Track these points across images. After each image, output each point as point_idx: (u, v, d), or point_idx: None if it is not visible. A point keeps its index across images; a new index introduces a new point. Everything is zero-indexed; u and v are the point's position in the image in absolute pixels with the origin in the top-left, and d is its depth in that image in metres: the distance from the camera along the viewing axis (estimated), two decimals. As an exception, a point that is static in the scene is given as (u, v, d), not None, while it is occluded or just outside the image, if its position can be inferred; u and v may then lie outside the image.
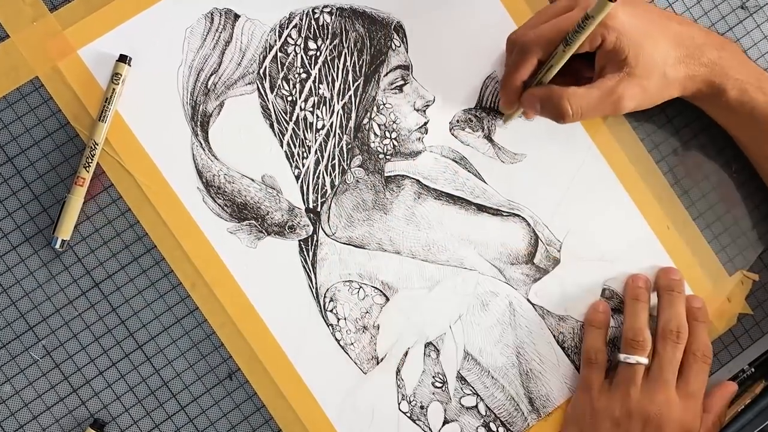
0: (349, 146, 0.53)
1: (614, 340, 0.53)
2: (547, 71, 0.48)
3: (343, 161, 0.53)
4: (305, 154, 0.52)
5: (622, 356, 0.50)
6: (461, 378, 0.53)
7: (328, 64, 0.52)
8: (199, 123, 0.52)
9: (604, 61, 0.48)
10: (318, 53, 0.52)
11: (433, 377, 0.53)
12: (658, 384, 0.49)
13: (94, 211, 0.51)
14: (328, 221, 0.52)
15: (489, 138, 0.54)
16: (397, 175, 0.53)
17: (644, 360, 0.50)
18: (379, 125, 0.53)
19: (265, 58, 0.52)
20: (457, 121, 0.53)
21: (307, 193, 0.52)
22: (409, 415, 0.52)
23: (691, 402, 0.50)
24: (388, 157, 0.53)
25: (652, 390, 0.49)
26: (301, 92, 0.52)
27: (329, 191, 0.52)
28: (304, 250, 0.52)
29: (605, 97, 0.48)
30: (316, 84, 0.52)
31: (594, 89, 0.48)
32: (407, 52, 0.53)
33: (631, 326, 0.51)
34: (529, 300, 0.54)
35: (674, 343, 0.50)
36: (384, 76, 0.53)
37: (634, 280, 0.53)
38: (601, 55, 0.48)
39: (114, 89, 0.50)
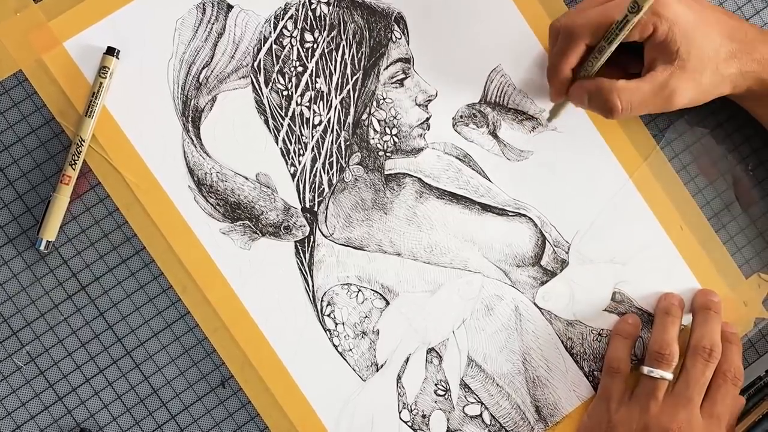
0: (348, 143, 0.52)
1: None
2: (594, 61, 0.47)
3: (342, 159, 0.52)
4: (301, 151, 0.52)
5: (645, 369, 0.50)
6: (465, 385, 0.52)
7: (325, 57, 0.52)
8: (190, 118, 0.51)
9: (655, 53, 0.47)
10: (315, 45, 0.52)
11: (436, 385, 0.52)
12: (682, 401, 0.49)
13: (81, 210, 0.51)
14: (326, 221, 0.52)
15: (494, 134, 0.53)
16: (398, 173, 0.53)
17: (668, 375, 0.49)
18: (378, 121, 0.53)
19: (259, 50, 0.52)
20: (461, 116, 0.53)
21: (304, 192, 0.52)
22: (410, 424, 0.52)
23: (715, 425, 0.49)
24: (388, 154, 0.53)
25: (674, 406, 0.49)
26: (297, 86, 0.52)
27: (327, 190, 0.52)
28: (300, 251, 0.52)
29: (657, 92, 0.47)
30: (313, 78, 0.52)
31: (645, 83, 0.47)
32: (408, 44, 0.53)
33: (658, 339, 0.51)
34: (535, 304, 0.53)
35: (705, 361, 0.49)
36: (384, 69, 0.53)
37: (668, 297, 0.53)
38: (651, 47, 0.47)
39: (101, 83, 0.50)
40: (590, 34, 0.47)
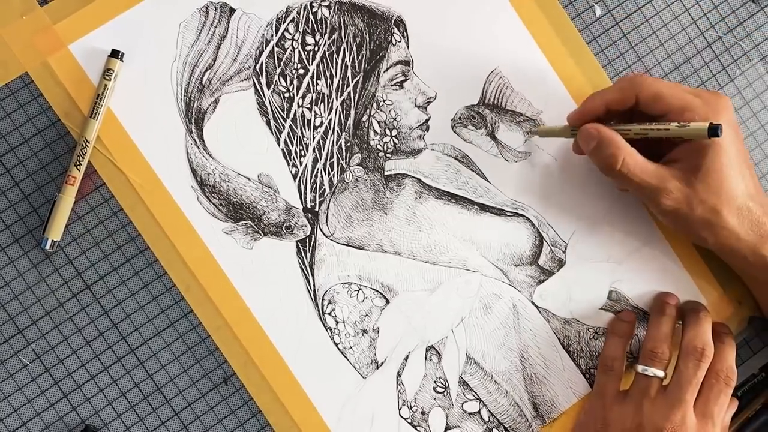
0: (348, 144, 0.52)
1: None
2: (627, 129, 0.47)
3: (342, 160, 0.52)
4: (303, 152, 0.52)
5: (639, 367, 0.50)
6: (463, 383, 0.53)
7: (326, 60, 0.52)
8: (193, 120, 0.52)
9: (681, 155, 0.47)
10: (316, 48, 0.52)
11: (435, 382, 0.52)
12: (675, 401, 0.48)
13: (86, 210, 0.51)
14: (327, 221, 0.52)
15: (492, 135, 0.53)
16: (398, 174, 0.53)
17: (660, 373, 0.49)
18: (379, 122, 0.53)
19: (261, 53, 0.52)
20: (460, 118, 0.53)
21: (305, 193, 0.52)
22: (409, 421, 0.52)
23: (708, 424, 0.48)
24: (388, 155, 0.53)
25: (668, 406, 0.48)
26: (298, 88, 0.52)
27: (327, 190, 0.52)
28: (301, 251, 0.52)
29: (654, 180, 0.47)
30: (314, 80, 0.52)
31: (650, 165, 0.47)
32: (408, 47, 0.53)
33: (653, 337, 0.51)
34: (533, 302, 0.53)
35: (697, 361, 0.49)
36: (384, 71, 0.53)
37: (664, 296, 0.53)
38: (682, 149, 0.47)
39: (106, 85, 0.50)
40: (648, 98, 0.47)
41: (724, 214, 0.47)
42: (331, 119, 0.52)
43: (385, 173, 0.53)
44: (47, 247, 0.50)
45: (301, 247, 0.52)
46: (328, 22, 0.52)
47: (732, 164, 0.47)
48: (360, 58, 0.52)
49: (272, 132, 0.52)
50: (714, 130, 0.44)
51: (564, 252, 0.53)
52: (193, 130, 0.51)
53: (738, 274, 0.52)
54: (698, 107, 0.46)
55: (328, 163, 0.52)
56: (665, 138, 0.47)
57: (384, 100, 0.53)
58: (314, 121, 0.52)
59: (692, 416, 0.48)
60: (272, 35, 0.52)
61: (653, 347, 0.50)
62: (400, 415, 0.52)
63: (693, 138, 0.46)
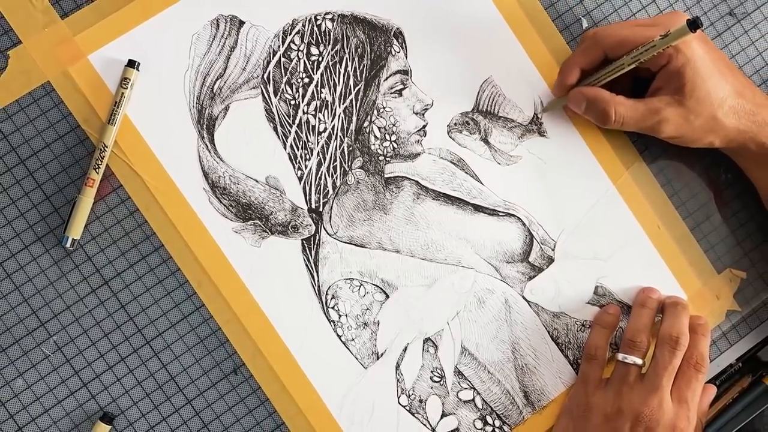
0: (351, 148, 0.53)
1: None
2: (605, 76, 0.49)
3: (345, 163, 0.53)
4: (308, 156, 0.53)
5: (620, 355, 0.51)
6: (459, 372, 0.54)
7: (329, 69, 0.53)
8: (205, 126, 0.52)
9: (662, 82, 0.49)
10: (320, 58, 0.53)
11: (432, 372, 0.53)
12: (652, 387, 0.50)
13: (104, 211, 0.52)
14: (330, 221, 0.53)
15: (485, 140, 0.54)
16: (397, 177, 0.54)
17: (639, 361, 0.51)
18: (379, 128, 0.54)
19: (269, 63, 0.53)
20: (455, 124, 0.54)
21: (310, 194, 0.53)
22: (408, 408, 0.53)
23: (684, 408, 0.50)
24: (388, 158, 0.54)
25: (646, 391, 0.50)
26: (303, 96, 0.53)
27: (331, 192, 0.53)
28: (306, 249, 0.53)
29: (648, 115, 0.49)
30: (319, 88, 0.53)
31: (641, 104, 0.49)
32: (406, 57, 0.54)
33: (632, 328, 0.52)
34: (524, 297, 0.54)
35: (672, 349, 0.50)
36: (384, 80, 0.54)
37: (646, 291, 0.54)
38: (661, 76, 0.49)
39: (123, 93, 0.51)
40: (613, 47, 0.49)
41: (720, 117, 0.49)
42: (334, 125, 0.53)
43: (385, 176, 0.53)
44: (68, 245, 0.50)
45: (306, 245, 0.53)
46: (332, 33, 0.53)
47: (711, 71, 0.48)
48: (361, 67, 0.53)
49: (279, 137, 0.53)
50: (694, 24, 0.44)
51: (553, 250, 0.54)
52: (205, 135, 0.52)
53: (744, 169, 0.53)
54: (660, 23, 0.48)
55: (331, 166, 0.53)
56: (647, 71, 0.48)
57: (384, 107, 0.54)
58: (318, 127, 0.53)
59: (669, 401, 0.49)
60: (279, 46, 0.53)
61: (633, 336, 0.51)
62: (399, 402, 0.53)
63: (678, 39, 0.45)
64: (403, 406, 0.53)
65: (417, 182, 0.54)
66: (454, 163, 0.54)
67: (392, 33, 0.54)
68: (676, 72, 0.48)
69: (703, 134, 0.49)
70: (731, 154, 0.53)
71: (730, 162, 0.55)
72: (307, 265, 0.53)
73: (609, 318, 0.54)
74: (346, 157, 0.53)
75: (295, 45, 0.53)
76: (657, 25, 0.48)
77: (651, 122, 0.49)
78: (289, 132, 0.53)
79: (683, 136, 0.50)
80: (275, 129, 0.53)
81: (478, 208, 0.54)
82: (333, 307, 0.53)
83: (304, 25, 0.53)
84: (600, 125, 0.51)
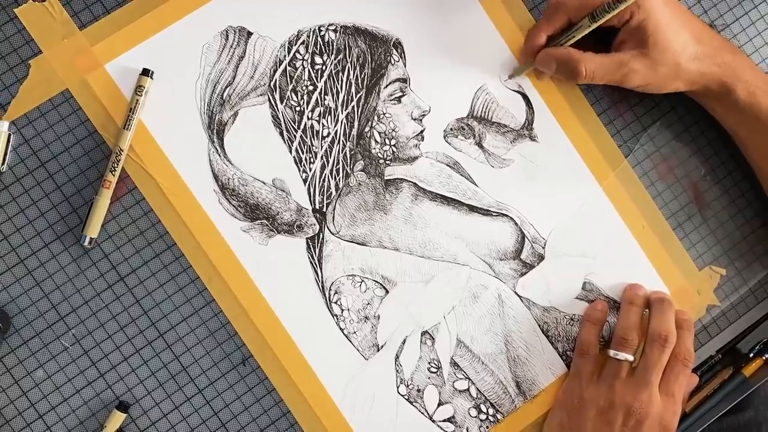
0: (352, 152, 0.54)
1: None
2: (570, 37, 0.50)
3: (347, 166, 0.54)
4: (312, 160, 0.54)
5: (611, 352, 0.52)
6: (454, 364, 0.54)
7: (333, 77, 0.54)
8: (215, 131, 0.53)
9: (625, 36, 0.50)
10: (324, 67, 0.54)
11: (429, 363, 0.54)
12: (642, 382, 0.51)
13: (120, 211, 0.53)
14: (333, 221, 0.54)
15: (480, 144, 0.55)
16: (396, 179, 0.55)
17: (630, 357, 0.52)
18: (379, 133, 0.55)
19: (275, 71, 0.54)
20: (451, 129, 0.55)
21: (314, 195, 0.54)
22: (406, 397, 0.54)
23: (671, 401, 0.51)
24: (387, 162, 0.55)
25: (636, 386, 0.51)
26: (308, 103, 0.54)
27: (334, 193, 0.54)
28: (310, 247, 0.54)
29: (616, 68, 0.50)
30: (322, 95, 0.54)
31: (608, 58, 0.50)
32: (405, 66, 0.55)
33: (623, 326, 0.53)
34: (516, 292, 0.55)
35: (661, 347, 0.51)
36: (384, 88, 0.55)
37: (633, 288, 0.55)
38: (624, 31, 0.50)
39: (137, 100, 0.52)
40: (575, 11, 0.50)
41: (683, 64, 0.50)
42: (337, 130, 0.54)
43: (385, 178, 0.54)
44: (86, 243, 0.51)
45: (310, 243, 0.54)
46: (335, 44, 0.54)
47: (670, 22, 0.49)
48: (363, 76, 0.54)
49: (285, 141, 0.54)
50: None
51: (543, 248, 0.56)
52: (215, 139, 0.53)
53: (709, 110, 0.54)
54: None
55: (334, 169, 0.54)
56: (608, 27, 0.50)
57: (384, 113, 0.54)
58: (322, 132, 0.54)
59: (657, 395, 0.51)
60: (285, 56, 0.54)
61: (624, 334, 0.52)
62: (398, 392, 0.54)
63: (629, 1, 0.47)
64: (402, 396, 0.54)
65: (415, 184, 0.55)
66: (450, 166, 0.55)
67: (392, 43, 0.55)
68: (639, 26, 0.49)
69: (668, 81, 0.51)
70: (696, 96, 0.54)
71: (710, 165, 0.57)
72: (311, 263, 0.54)
73: (597, 314, 0.55)
74: (349, 161, 0.54)
75: (300, 55, 0.54)
76: None
77: (619, 75, 0.50)
78: (295, 137, 0.54)
79: (649, 84, 0.51)
80: (281, 134, 0.54)
81: (472, 209, 0.55)
82: (336, 302, 0.54)
83: (308, 36, 0.54)
84: (571, 82, 0.51)
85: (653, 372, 0.51)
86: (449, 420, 0.55)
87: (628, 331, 0.53)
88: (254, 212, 0.54)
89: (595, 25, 0.50)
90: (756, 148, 0.55)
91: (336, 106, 0.54)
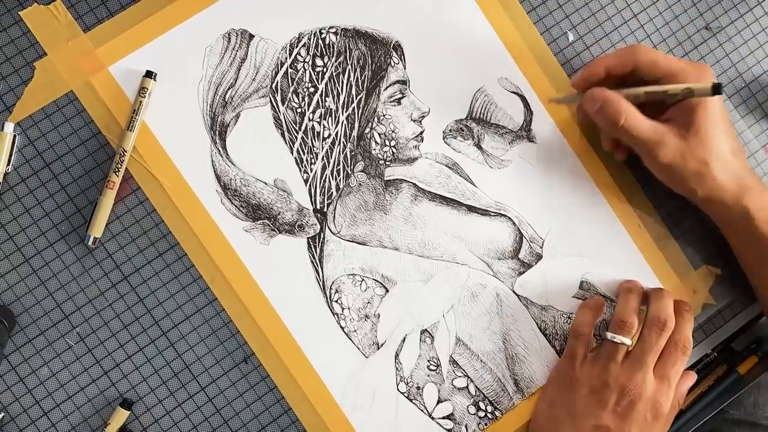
0: (353, 153, 0.55)
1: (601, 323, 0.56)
2: (628, 95, 0.50)
3: (347, 166, 0.55)
4: (313, 160, 0.54)
5: (609, 334, 0.53)
6: (453, 362, 0.55)
7: (333, 79, 0.54)
8: (217, 132, 0.54)
9: (674, 114, 0.50)
10: (324, 69, 0.54)
11: (428, 361, 0.55)
12: (638, 364, 0.51)
13: (123, 211, 0.53)
14: (334, 220, 0.54)
15: (478, 146, 0.56)
16: (396, 179, 0.55)
17: (627, 341, 0.52)
18: (379, 134, 0.55)
19: (277, 73, 0.54)
20: (450, 130, 0.56)
21: (315, 195, 0.54)
22: (406, 395, 0.54)
23: (665, 385, 0.52)
24: (387, 162, 0.55)
25: (631, 368, 0.51)
26: (309, 104, 0.54)
27: (335, 193, 0.54)
28: (311, 246, 0.54)
29: (652, 135, 0.49)
30: (323, 97, 0.54)
31: (649, 122, 0.50)
32: (405, 68, 0.55)
33: (622, 309, 0.53)
34: (514, 291, 0.56)
35: (659, 331, 0.52)
36: (384, 90, 0.55)
37: (629, 280, 0.56)
38: (676, 109, 0.50)
39: (141, 102, 0.52)
40: (645, 64, 0.50)
41: (713, 166, 0.50)
42: (337, 131, 0.54)
43: (385, 178, 0.55)
44: (90, 243, 0.52)
45: (311, 243, 0.54)
46: (335, 46, 0.54)
47: (718, 123, 0.50)
48: (363, 78, 0.55)
49: (286, 142, 0.54)
50: (717, 88, 0.47)
51: (541, 247, 0.56)
52: (217, 140, 0.53)
53: (719, 224, 0.54)
54: (689, 72, 0.49)
55: (335, 169, 0.54)
56: (663, 101, 0.49)
57: (384, 115, 0.55)
58: (323, 133, 0.54)
59: (651, 377, 0.51)
60: (286, 58, 0.54)
61: (623, 317, 0.53)
62: (398, 389, 0.54)
63: (698, 95, 0.48)
64: (402, 393, 0.54)
65: (415, 185, 0.55)
66: (449, 167, 0.56)
67: (392, 46, 0.55)
68: (690, 109, 0.49)
69: (690, 177, 0.50)
70: (710, 210, 0.53)
71: None
72: (312, 262, 0.54)
73: (595, 301, 0.55)
74: (349, 161, 0.55)
75: (301, 57, 0.54)
76: (688, 65, 0.50)
77: (652, 141, 0.49)
78: (296, 138, 0.54)
79: (672, 168, 0.50)
80: (283, 135, 0.54)
81: (471, 209, 0.56)
82: (336, 301, 0.54)
83: (309, 39, 0.55)
84: (606, 127, 0.50)
85: (649, 355, 0.52)
86: (448, 417, 0.55)
87: (628, 315, 0.53)
88: (256, 212, 0.54)
89: (655, 95, 0.49)
90: (759, 273, 0.54)
91: (337, 107, 0.55)
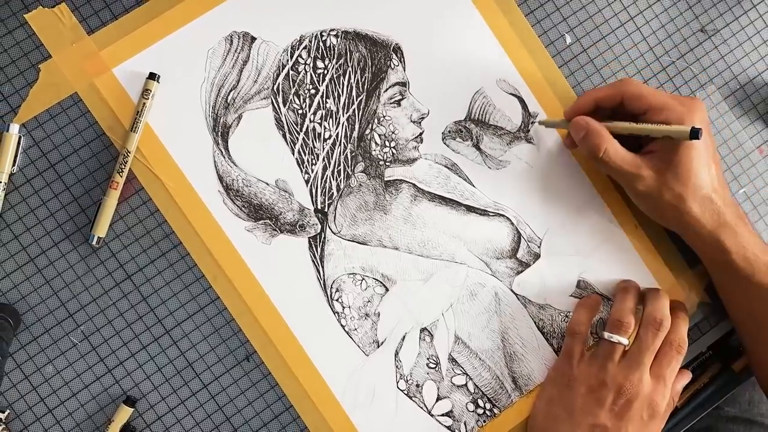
0: (353, 154, 0.55)
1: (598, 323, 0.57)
2: (614, 126, 0.51)
3: (348, 167, 0.55)
4: (314, 161, 0.55)
5: (606, 334, 0.53)
6: (452, 360, 0.55)
7: (334, 81, 0.55)
8: (219, 133, 0.54)
9: (656, 148, 0.51)
10: (325, 71, 0.55)
11: (428, 359, 0.55)
12: (634, 364, 0.52)
13: (127, 211, 0.54)
14: (335, 220, 0.55)
15: (477, 146, 0.56)
16: (396, 180, 0.55)
17: (624, 341, 0.53)
18: (379, 135, 0.55)
19: (278, 75, 0.54)
20: (449, 131, 0.56)
21: (316, 196, 0.55)
22: (406, 392, 0.55)
23: (661, 384, 0.52)
24: (387, 163, 0.55)
25: (628, 367, 0.52)
26: (310, 106, 0.54)
27: (335, 194, 0.55)
28: (312, 246, 0.54)
29: (630, 166, 0.50)
30: (324, 99, 0.55)
31: (629, 155, 0.50)
32: (405, 70, 0.56)
33: (619, 309, 0.54)
34: (512, 290, 0.56)
35: (655, 331, 0.52)
36: (384, 91, 0.55)
37: (626, 280, 0.56)
38: (658, 144, 0.51)
39: (144, 103, 0.52)
40: (632, 97, 0.50)
41: (689, 202, 0.50)
42: (338, 132, 0.55)
43: (385, 179, 0.55)
44: (94, 242, 0.52)
45: (312, 242, 0.54)
46: (336, 48, 0.55)
47: (700, 160, 0.50)
48: (363, 79, 0.55)
49: (288, 143, 0.54)
50: (695, 133, 0.47)
51: (539, 247, 0.56)
52: (220, 142, 0.54)
53: (697, 254, 0.54)
54: (675, 107, 0.50)
55: (335, 170, 0.55)
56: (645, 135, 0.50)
57: (384, 116, 0.55)
58: (324, 134, 0.54)
59: (648, 377, 0.52)
60: (288, 60, 0.54)
61: (620, 317, 0.53)
62: (397, 387, 0.55)
63: (676, 138, 0.48)
64: (402, 390, 0.55)
65: (414, 185, 0.55)
66: (448, 168, 0.56)
67: (392, 48, 0.56)
68: (672, 146, 0.50)
69: (666, 210, 0.51)
70: (688, 240, 0.54)
71: None
72: (313, 261, 0.54)
73: (591, 301, 0.56)
74: (350, 162, 0.55)
75: (303, 59, 0.55)
76: (676, 100, 0.50)
77: (629, 173, 0.50)
78: (297, 139, 0.55)
79: (649, 201, 0.51)
80: (284, 136, 0.55)
81: (470, 209, 0.56)
82: (337, 300, 0.55)
83: (310, 41, 0.55)
84: (588, 156, 0.52)
85: (646, 354, 0.52)
86: (447, 414, 0.55)
87: (624, 314, 0.53)
88: (258, 212, 0.54)
89: (631, 133, 0.50)
90: (735, 304, 0.55)
91: (337, 109, 0.55)
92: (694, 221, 0.51)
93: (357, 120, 0.55)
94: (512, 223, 0.57)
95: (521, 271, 0.56)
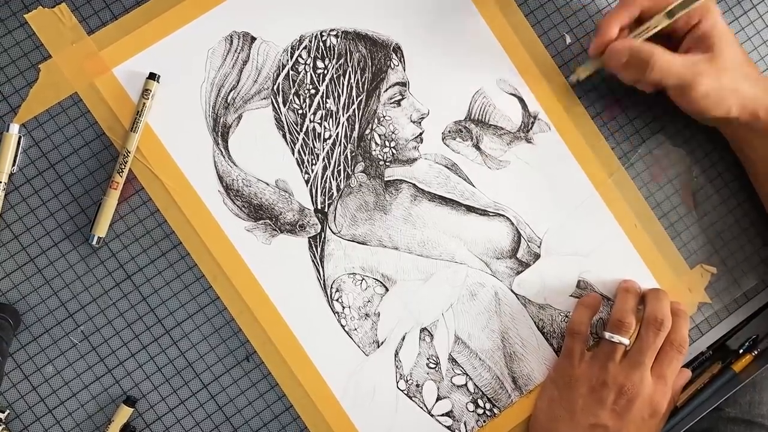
0: (353, 154, 0.55)
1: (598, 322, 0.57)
2: (641, 33, 0.49)
3: (348, 167, 0.55)
4: (314, 161, 0.55)
5: (607, 334, 0.53)
6: (452, 359, 0.55)
7: (334, 81, 0.55)
8: (219, 133, 0.54)
9: (692, 43, 0.50)
10: (325, 71, 0.55)
11: (428, 359, 0.55)
12: (636, 364, 0.52)
13: (127, 211, 0.54)
14: (335, 220, 0.55)
15: (477, 147, 0.56)
16: (396, 180, 0.55)
17: (625, 341, 0.53)
18: (379, 135, 0.56)
19: (278, 75, 0.55)
20: (449, 131, 0.56)
21: (316, 196, 0.55)
22: (406, 392, 0.55)
23: (662, 384, 0.52)
24: (387, 163, 0.55)
25: (629, 367, 0.52)
26: (310, 106, 0.55)
27: (335, 194, 0.55)
28: (313, 246, 0.55)
29: (688, 68, 0.49)
30: (324, 99, 0.55)
31: (680, 57, 0.49)
32: (404, 70, 0.56)
33: (620, 309, 0.53)
34: (512, 290, 0.56)
35: (656, 331, 0.52)
36: (384, 91, 0.56)
37: (627, 280, 0.56)
38: (691, 38, 0.50)
39: (144, 103, 0.53)
40: (650, 3, 0.49)
41: (740, 80, 0.50)
42: (338, 132, 0.55)
43: (385, 179, 0.55)
44: (94, 242, 0.52)
45: (312, 242, 0.54)
46: (336, 49, 0.55)
47: (730, 38, 0.50)
48: (363, 80, 0.55)
49: (288, 143, 0.55)
50: None
51: (539, 247, 0.56)
52: (220, 142, 0.54)
53: (748, 144, 0.52)
54: None
55: (335, 170, 0.55)
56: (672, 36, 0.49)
57: (384, 116, 0.55)
58: (324, 134, 0.55)
59: (649, 377, 0.52)
60: (288, 60, 0.55)
61: (621, 317, 0.53)
62: (397, 387, 0.55)
63: None
64: (402, 390, 0.55)
65: (414, 185, 0.56)
66: (448, 168, 0.56)
67: (392, 48, 0.56)
68: (705, 33, 0.49)
69: (727, 95, 0.49)
70: (742, 127, 0.52)
71: (701, 167, 0.58)
72: (313, 261, 0.55)
73: (592, 299, 0.56)
74: (350, 162, 0.55)
75: (303, 59, 0.55)
76: None
77: (690, 75, 0.48)
78: (297, 139, 0.55)
79: (710, 97, 0.49)
80: (284, 136, 0.55)
81: (470, 209, 0.56)
82: (337, 300, 0.55)
83: (310, 41, 0.55)
84: (640, 77, 0.49)
85: (647, 354, 0.52)
86: (447, 414, 0.55)
87: (625, 314, 0.53)
88: (258, 212, 0.55)
89: (668, 21, 0.48)
90: None
91: (337, 109, 0.55)
92: (749, 99, 0.50)
93: (357, 120, 0.55)
94: (512, 223, 0.57)
95: (521, 271, 0.57)
